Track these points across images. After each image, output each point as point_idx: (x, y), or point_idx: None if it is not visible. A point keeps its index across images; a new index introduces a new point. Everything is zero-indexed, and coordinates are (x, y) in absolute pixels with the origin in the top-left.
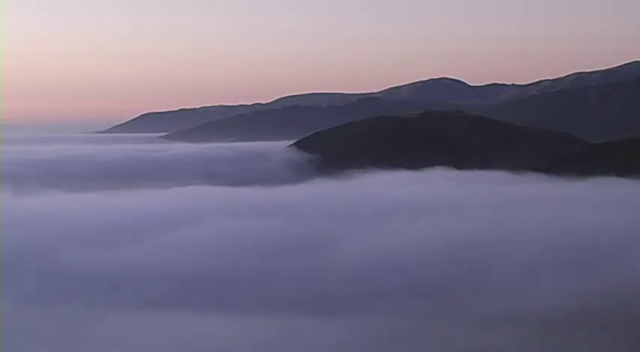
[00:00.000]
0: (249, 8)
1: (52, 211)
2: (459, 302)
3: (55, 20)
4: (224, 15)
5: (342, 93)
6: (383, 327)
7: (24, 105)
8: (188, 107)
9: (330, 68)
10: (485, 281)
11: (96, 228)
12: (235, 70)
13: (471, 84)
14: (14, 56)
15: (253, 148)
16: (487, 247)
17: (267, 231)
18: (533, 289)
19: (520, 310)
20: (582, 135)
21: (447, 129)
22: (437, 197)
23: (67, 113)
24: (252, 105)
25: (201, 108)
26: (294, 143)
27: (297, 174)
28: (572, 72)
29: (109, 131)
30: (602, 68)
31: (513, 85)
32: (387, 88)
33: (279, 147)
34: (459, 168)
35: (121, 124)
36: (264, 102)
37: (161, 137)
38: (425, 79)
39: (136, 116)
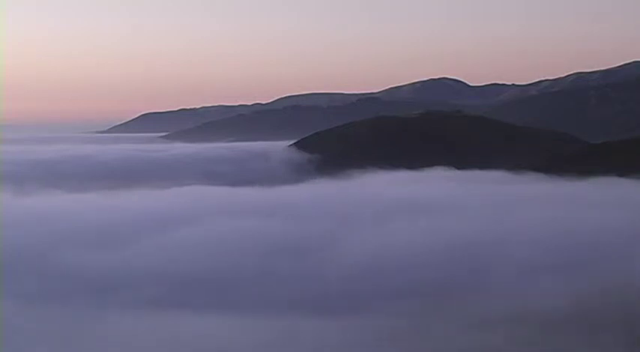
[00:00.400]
0: (249, 8)
1: (52, 211)
2: (459, 302)
3: (55, 20)
4: (224, 15)
5: (342, 93)
6: (383, 327)
7: (24, 105)
8: (188, 107)
9: (330, 68)
10: (485, 281)
11: (96, 228)
12: (235, 70)
13: (471, 84)
14: (14, 56)
15: (253, 148)
16: (487, 247)
17: (267, 231)
18: (533, 289)
19: (520, 310)
20: (582, 135)
21: (447, 129)
22: (437, 197)
23: (67, 113)
24: (252, 105)
25: (201, 108)
26: (294, 143)
27: (297, 174)
28: (572, 72)
29: (109, 131)
30: (602, 68)
31: (513, 85)
32: (387, 87)
33: (279, 147)
34: (459, 168)
35: (121, 124)
36: (264, 102)
37: (161, 137)
38: (425, 79)
39: (136, 116)
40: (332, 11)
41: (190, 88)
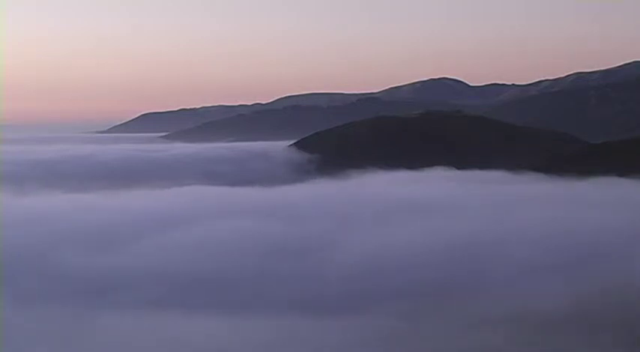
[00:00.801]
0: (249, 8)
1: (52, 211)
2: (459, 302)
3: (55, 20)
4: (224, 15)
5: (342, 93)
6: (383, 327)
7: (24, 105)
8: (188, 107)
9: (330, 68)
10: (485, 281)
11: (96, 228)
12: (235, 70)
13: (471, 84)
14: (14, 56)
15: (253, 148)
16: (487, 247)
17: (266, 231)
18: (532, 289)
19: (520, 310)
20: (582, 135)
21: (447, 129)
22: (437, 197)
23: (67, 113)
24: (252, 105)
25: (201, 108)
26: (294, 143)
27: (297, 174)
28: (572, 72)
29: (109, 131)
30: (602, 68)
31: (513, 85)
32: (387, 87)
33: (279, 147)
34: (459, 168)
35: (121, 124)
36: (264, 102)
37: (161, 137)
38: (425, 79)
39: (136, 116)
40: (332, 11)
41: (190, 87)
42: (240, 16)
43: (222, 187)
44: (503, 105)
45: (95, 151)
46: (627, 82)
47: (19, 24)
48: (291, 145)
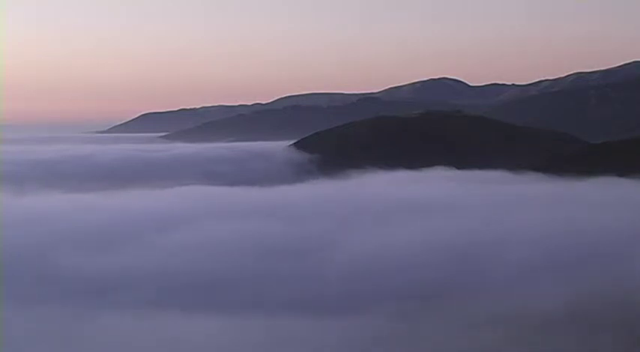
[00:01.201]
0: (249, 8)
1: (52, 211)
2: (459, 302)
3: (55, 20)
4: (224, 15)
5: (342, 93)
6: (383, 327)
7: (24, 105)
8: (188, 107)
9: (330, 68)
10: (484, 282)
11: (96, 228)
12: (235, 70)
13: (471, 84)
14: (14, 56)
15: (253, 148)
16: (487, 247)
17: (266, 232)
18: (532, 289)
19: (520, 310)
20: (582, 135)
21: (447, 129)
22: (437, 197)
23: (67, 113)
24: (252, 105)
25: (201, 108)
26: (294, 143)
27: (297, 174)
28: (572, 72)
29: (109, 131)
30: (602, 68)
31: (513, 85)
32: (387, 87)
33: (279, 147)
34: (459, 168)
35: (121, 124)
36: (264, 102)
37: (161, 137)
38: (425, 79)
39: (136, 116)
40: (332, 11)
41: (190, 88)
42: (240, 16)
43: (222, 187)
44: (503, 105)
45: (95, 151)
46: (627, 82)
47: (19, 24)
48: (291, 145)
